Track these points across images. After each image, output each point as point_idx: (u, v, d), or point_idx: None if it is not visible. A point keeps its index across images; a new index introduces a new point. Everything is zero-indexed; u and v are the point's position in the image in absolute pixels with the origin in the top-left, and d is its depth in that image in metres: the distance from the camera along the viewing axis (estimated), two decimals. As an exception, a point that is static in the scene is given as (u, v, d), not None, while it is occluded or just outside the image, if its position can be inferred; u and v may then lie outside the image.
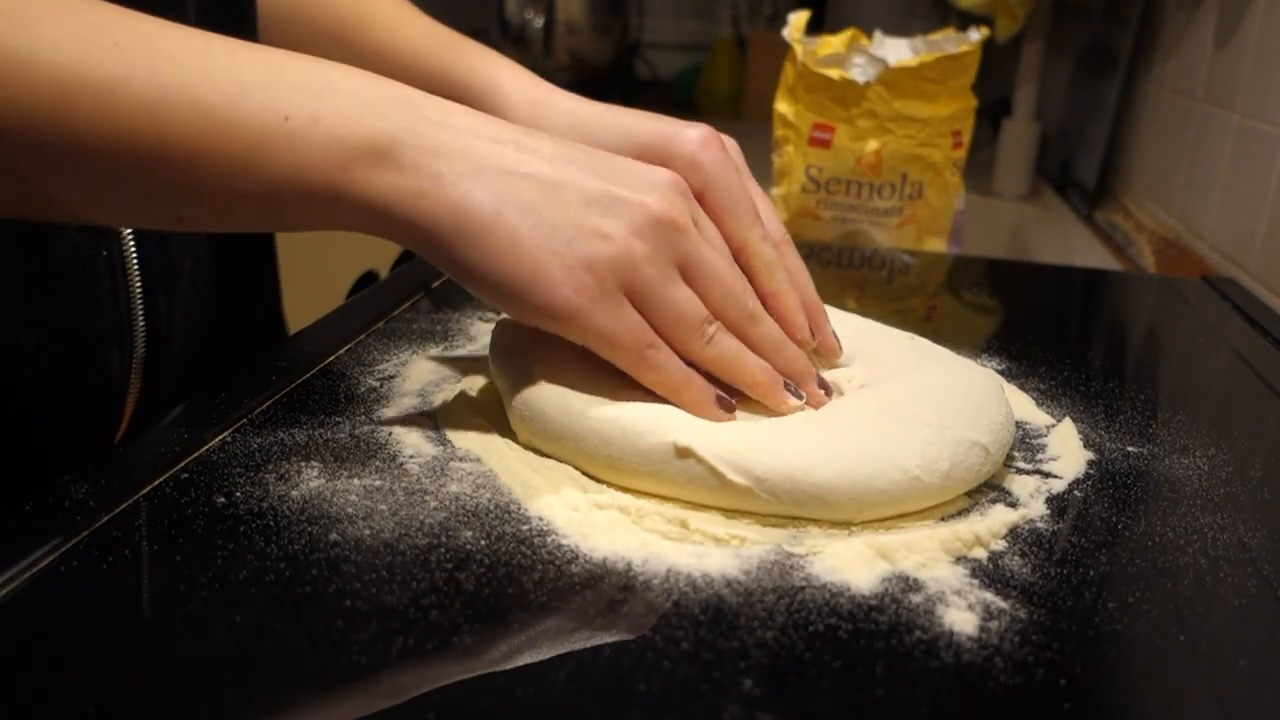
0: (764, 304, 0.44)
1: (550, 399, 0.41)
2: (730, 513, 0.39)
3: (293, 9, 0.59)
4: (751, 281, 0.44)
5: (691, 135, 0.46)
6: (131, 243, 0.47)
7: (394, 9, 0.58)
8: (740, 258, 0.44)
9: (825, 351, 0.47)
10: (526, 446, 0.43)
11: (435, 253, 0.39)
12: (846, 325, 0.50)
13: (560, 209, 0.38)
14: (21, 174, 0.35)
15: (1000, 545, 0.37)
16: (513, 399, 0.43)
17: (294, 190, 0.36)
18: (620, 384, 0.41)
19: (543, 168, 0.39)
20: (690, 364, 0.41)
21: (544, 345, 0.43)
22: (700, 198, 0.44)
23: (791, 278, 0.46)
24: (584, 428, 0.40)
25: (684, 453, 0.38)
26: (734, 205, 0.45)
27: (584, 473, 0.41)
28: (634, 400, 0.41)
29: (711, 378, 0.42)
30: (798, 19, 0.89)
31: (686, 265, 0.41)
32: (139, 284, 0.49)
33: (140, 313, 0.49)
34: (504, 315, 0.47)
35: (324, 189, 0.37)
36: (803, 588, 0.34)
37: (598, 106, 0.50)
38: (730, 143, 0.48)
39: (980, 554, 0.37)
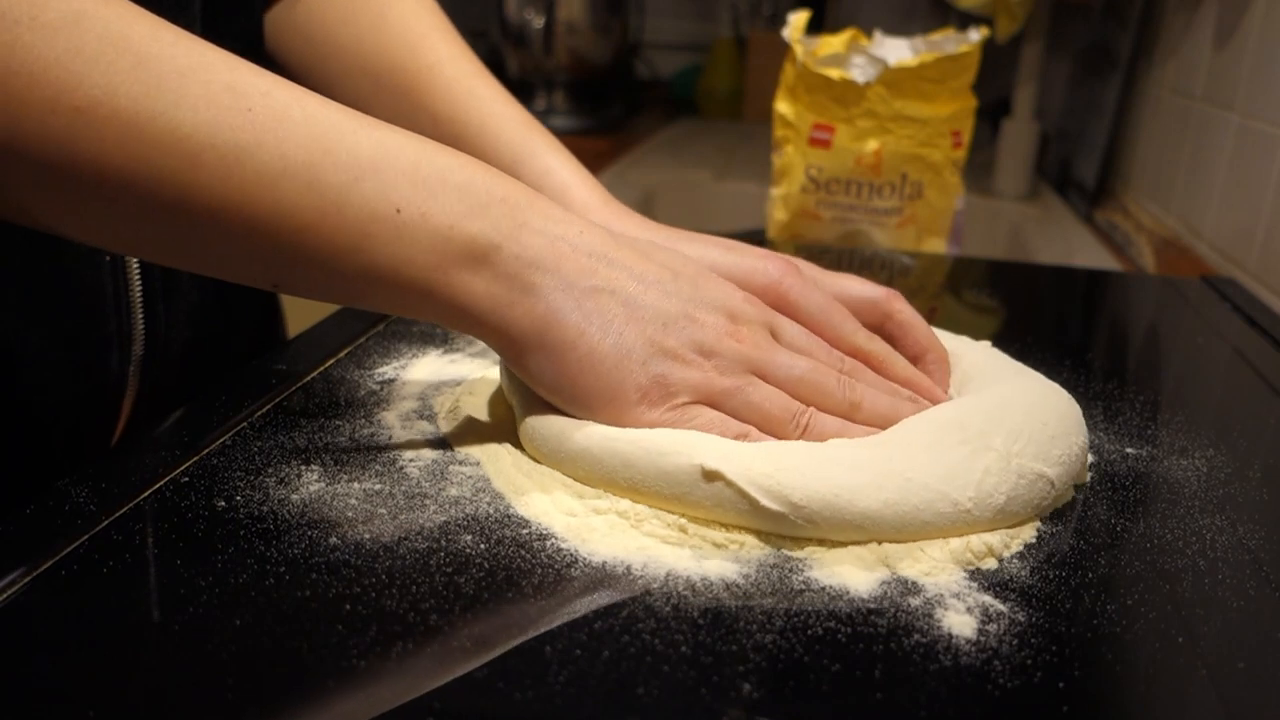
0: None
1: (567, 420, 0.40)
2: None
3: (355, 63, 0.57)
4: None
5: (770, 270, 0.46)
6: None
7: (459, 68, 0.56)
8: (859, 359, 0.45)
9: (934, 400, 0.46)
10: (525, 452, 0.43)
11: (516, 360, 0.40)
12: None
13: (639, 328, 0.39)
14: (134, 222, 0.35)
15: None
16: (526, 420, 0.42)
17: (392, 280, 0.37)
18: None
19: (627, 285, 0.40)
20: None
21: None
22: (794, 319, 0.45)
23: (909, 329, 0.47)
24: (603, 449, 0.39)
25: (712, 476, 0.37)
26: (826, 320, 0.45)
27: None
28: None
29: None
30: (798, 19, 0.89)
31: (764, 373, 0.41)
32: (139, 288, 0.49)
33: (140, 316, 0.49)
34: None
35: (420, 284, 0.37)
36: (801, 591, 0.34)
37: (668, 235, 0.50)
38: (802, 264, 0.49)
39: (991, 564, 0.36)
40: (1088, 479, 0.43)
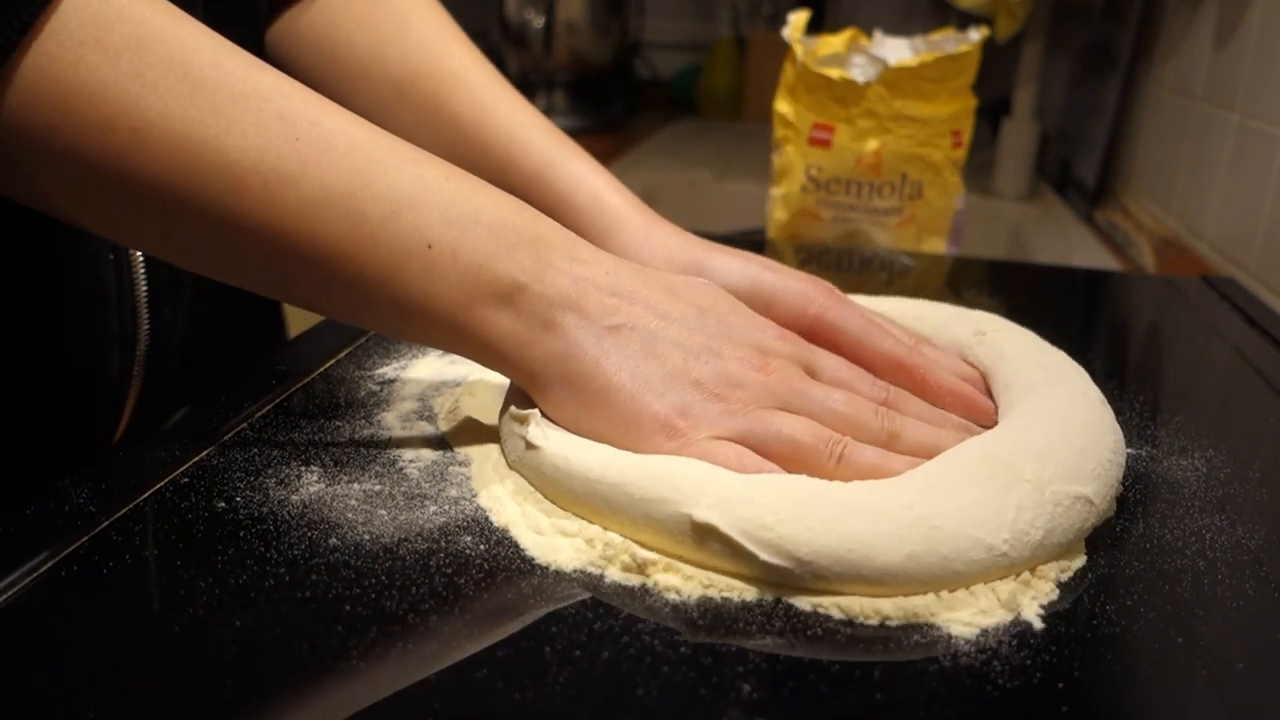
0: (944, 403, 0.44)
1: (549, 458, 0.38)
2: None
3: (374, 70, 0.58)
4: (923, 391, 0.44)
5: (809, 291, 0.47)
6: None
7: (482, 76, 0.57)
8: (901, 377, 0.45)
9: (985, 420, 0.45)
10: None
11: (539, 395, 0.40)
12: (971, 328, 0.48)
13: (659, 362, 0.39)
14: (182, 238, 0.37)
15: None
16: (511, 455, 0.41)
17: (420, 313, 0.38)
18: None
19: (649, 322, 0.40)
20: None
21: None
22: (832, 346, 0.45)
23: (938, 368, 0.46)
24: (581, 489, 0.37)
25: (703, 530, 0.34)
26: (866, 338, 0.46)
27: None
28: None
29: None
30: (798, 19, 0.89)
31: (794, 408, 0.39)
32: (145, 288, 0.49)
33: (145, 316, 0.49)
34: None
35: (448, 318, 0.38)
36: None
37: (705, 250, 0.51)
38: (826, 284, 0.48)
39: (1054, 596, 0.34)
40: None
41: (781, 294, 0.47)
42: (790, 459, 0.38)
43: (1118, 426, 0.41)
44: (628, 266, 0.41)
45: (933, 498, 0.34)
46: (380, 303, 0.38)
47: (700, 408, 0.38)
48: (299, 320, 0.66)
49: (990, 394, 0.46)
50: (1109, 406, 0.42)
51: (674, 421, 0.38)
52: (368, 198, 0.36)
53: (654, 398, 0.38)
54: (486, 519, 0.38)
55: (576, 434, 0.39)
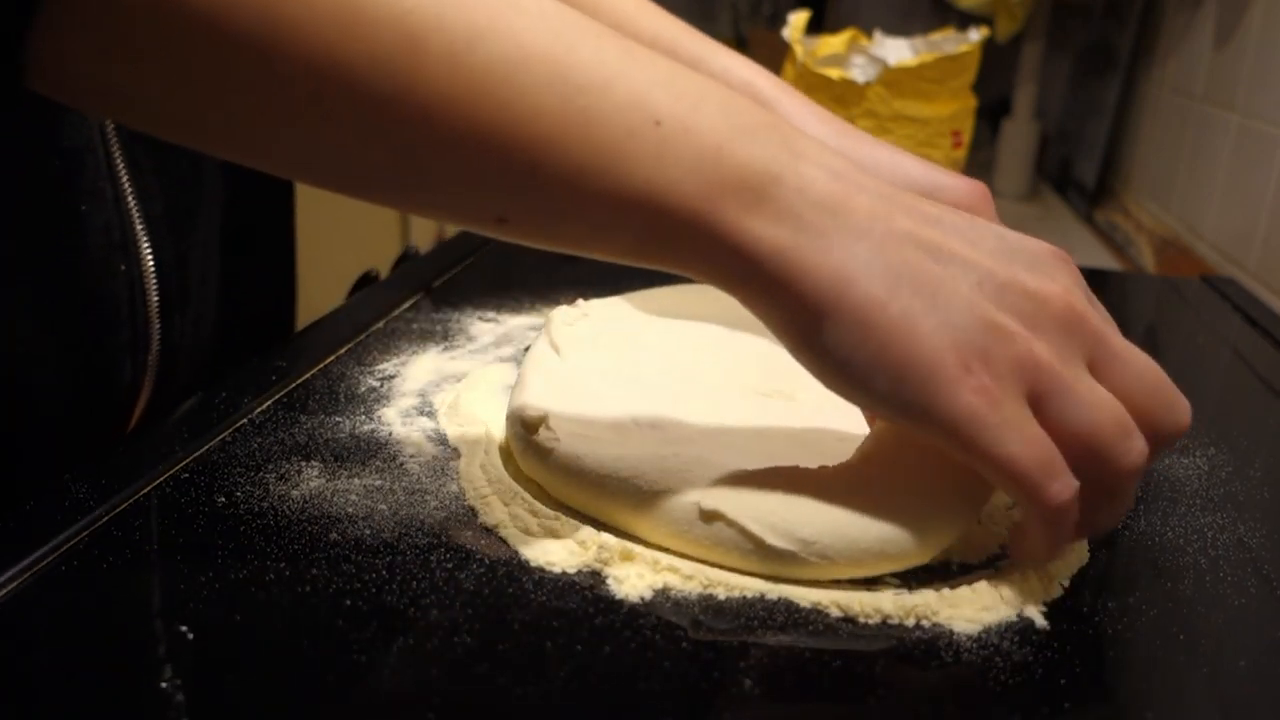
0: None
1: (560, 459, 0.38)
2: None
3: None
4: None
5: (962, 188, 0.40)
6: (150, 260, 0.48)
7: None
8: None
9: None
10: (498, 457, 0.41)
11: (797, 328, 0.32)
12: None
13: (953, 291, 0.31)
14: (345, 131, 0.29)
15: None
16: (520, 452, 0.40)
17: (648, 209, 0.30)
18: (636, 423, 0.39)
19: (933, 236, 0.32)
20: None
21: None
22: None
23: None
24: (593, 484, 0.37)
25: (711, 516, 0.34)
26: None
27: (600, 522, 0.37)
28: (650, 441, 0.37)
29: None
30: (798, 19, 0.89)
31: (1097, 364, 0.33)
32: (156, 299, 0.49)
33: (156, 328, 0.49)
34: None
35: (685, 216, 0.31)
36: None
37: (850, 139, 0.46)
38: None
39: (1056, 593, 0.34)
40: None
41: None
42: (1085, 440, 0.31)
43: None
44: (873, 174, 0.33)
45: (920, 476, 0.36)
46: (592, 199, 0.30)
47: (1005, 356, 0.31)
48: (298, 318, 0.66)
49: None
50: None
51: (979, 374, 0.30)
52: (573, 63, 0.29)
53: (960, 338, 0.31)
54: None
55: (841, 379, 0.32)
